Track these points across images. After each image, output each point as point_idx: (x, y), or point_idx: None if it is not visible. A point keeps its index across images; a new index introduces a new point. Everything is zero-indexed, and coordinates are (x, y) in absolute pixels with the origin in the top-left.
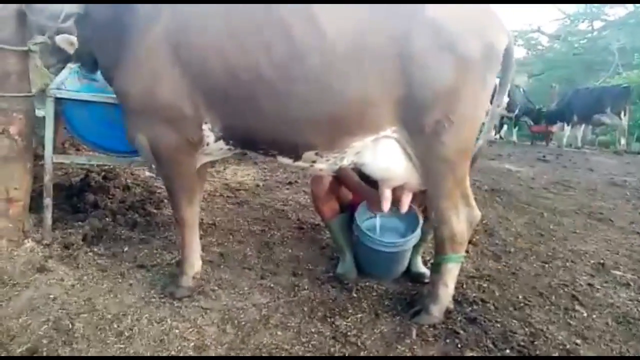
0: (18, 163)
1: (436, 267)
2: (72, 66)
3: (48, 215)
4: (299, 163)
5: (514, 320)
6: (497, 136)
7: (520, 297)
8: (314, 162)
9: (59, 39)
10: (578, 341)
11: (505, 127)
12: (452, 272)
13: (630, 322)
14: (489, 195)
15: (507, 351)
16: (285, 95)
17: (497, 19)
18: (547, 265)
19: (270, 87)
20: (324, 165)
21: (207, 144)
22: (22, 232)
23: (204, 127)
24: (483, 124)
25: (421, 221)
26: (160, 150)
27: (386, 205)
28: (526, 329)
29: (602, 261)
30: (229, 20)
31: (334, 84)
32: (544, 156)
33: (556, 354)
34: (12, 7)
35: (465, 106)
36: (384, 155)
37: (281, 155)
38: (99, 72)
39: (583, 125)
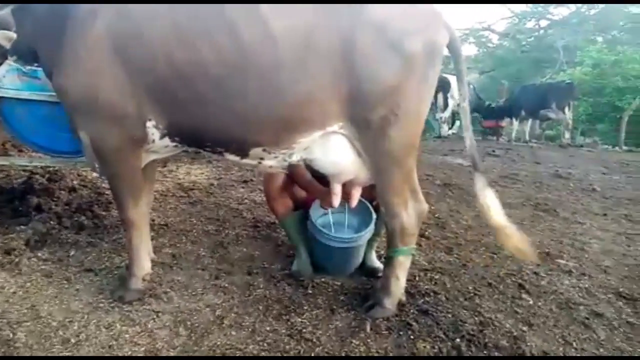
0: None
1: (388, 261)
2: (10, 63)
3: None
4: (247, 160)
5: (464, 310)
6: (451, 132)
7: (470, 287)
8: (261, 158)
9: None
10: (524, 328)
11: (457, 122)
12: (403, 265)
13: (572, 307)
14: (441, 190)
15: (458, 340)
16: (230, 92)
17: (438, 17)
18: (495, 256)
19: (215, 84)
20: (273, 162)
21: (152, 142)
22: None
23: (148, 124)
24: (456, 120)
25: (374, 216)
26: (103, 148)
27: (336, 200)
28: (476, 318)
29: (547, 250)
30: (173, 16)
31: (279, 82)
32: (493, 151)
33: (504, 342)
34: None
35: (409, 101)
36: (333, 151)
37: (228, 152)
38: (41, 70)
39: (530, 120)
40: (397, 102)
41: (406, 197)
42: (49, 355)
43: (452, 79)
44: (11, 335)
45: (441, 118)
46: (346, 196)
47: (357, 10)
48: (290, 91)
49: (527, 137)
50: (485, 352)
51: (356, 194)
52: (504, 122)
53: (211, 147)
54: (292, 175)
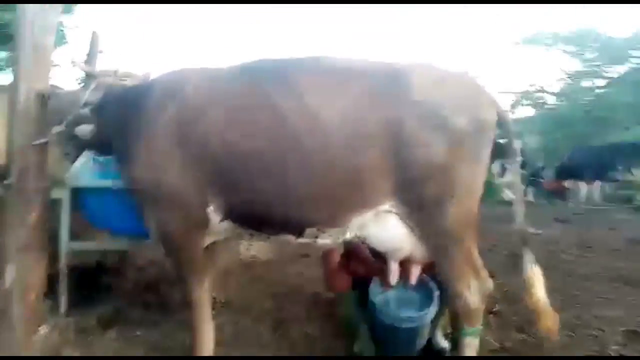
0: (35, 252)
1: (454, 342)
2: (88, 153)
3: (63, 301)
4: (302, 239)
5: None
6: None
7: None
8: (316, 237)
9: (80, 130)
10: None
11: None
12: (470, 347)
13: None
14: (508, 260)
15: None
16: (283, 178)
17: (484, 93)
18: (574, 335)
19: (270, 171)
20: (327, 240)
21: (213, 225)
22: (37, 319)
23: (209, 209)
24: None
25: (436, 293)
26: (167, 232)
27: (393, 278)
28: None
29: (632, 328)
30: (228, 109)
31: (329, 167)
32: (562, 217)
33: None
34: (34, 97)
35: (462, 180)
36: (386, 229)
37: (284, 232)
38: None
39: (597, 182)
40: (448, 181)
41: (468, 276)
42: None
43: None
44: None
45: (501, 183)
46: (405, 274)
47: (403, 92)
48: (340, 174)
49: (598, 200)
50: None
51: (415, 272)
52: (567, 183)
53: (268, 228)
54: (350, 252)
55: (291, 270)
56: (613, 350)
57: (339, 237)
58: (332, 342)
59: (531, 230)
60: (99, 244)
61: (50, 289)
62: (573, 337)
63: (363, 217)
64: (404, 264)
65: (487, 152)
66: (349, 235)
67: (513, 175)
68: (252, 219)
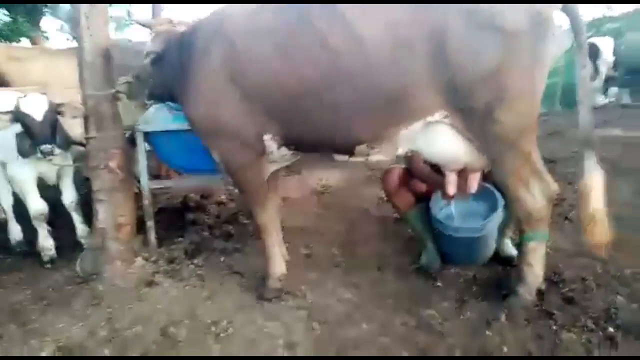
0: (121, 192)
1: (519, 248)
2: (155, 104)
3: (152, 235)
4: (355, 158)
5: (620, 297)
6: (607, 100)
7: (628, 272)
8: (368, 154)
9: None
10: None
11: (614, 88)
12: (536, 252)
13: None
14: None
15: (611, 330)
16: (331, 99)
17: None
18: None
19: (316, 94)
20: (380, 156)
21: (271, 152)
22: (132, 252)
23: (265, 137)
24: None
25: (501, 202)
26: (230, 164)
27: (451, 189)
28: (634, 305)
29: None
30: (274, 39)
31: (373, 82)
32: None
33: None
34: (98, 53)
35: (517, 82)
36: (439, 140)
37: (337, 152)
38: None
39: None
40: (502, 85)
41: (527, 180)
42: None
43: (603, 43)
44: (175, 331)
45: (592, 87)
46: (465, 184)
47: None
48: (382, 88)
49: None
50: None
51: (474, 181)
52: None
53: (321, 149)
54: (409, 168)
55: (360, 195)
56: None
57: (391, 152)
58: (400, 258)
59: (622, 133)
60: (177, 183)
61: (142, 227)
62: None
63: (411, 130)
64: (463, 174)
65: (546, 49)
66: (401, 151)
67: (580, 71)
68: (305, 142)
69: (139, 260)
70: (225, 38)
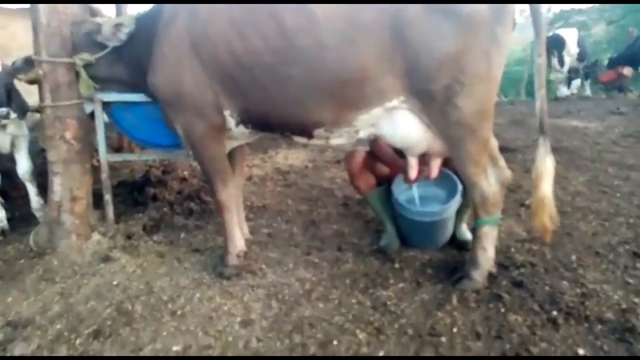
0: (76, 164)
1: (473, 232)
2: None
3: (110, 210)
4: (314, 141)
5: (565, 282)
6: (569, 92)
7: (573, 257)
8: (327, 138)
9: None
10: (636, 300)
11: (577, 80)
12: (489, 236)
13: None
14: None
15: (554, 313)
16: (285, 77)
17: None
18: (607, 223)
19: (270, 71)
20: (340, 140)
21: (230, 129)
22: (88, 227)
23: (225, 113)
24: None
25: (460, 187)
26: (192, 136)
27: (413, 173)
28: (577, 290)
29: None
30: (231, 13)
31: (325, 63)
32: (618, 108)
33: (610, 314)
34: (56, 24)
35: (476, 67)
36: (401, 125)
37: (295, 134)
38: None
39: None
40: (460, 69)
41: (485, 166)
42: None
43: (568, 35)
44: (130, 308)
45: (557, 79)
46: (426, 168)
47: None
48: (337, 71)
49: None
50: (586, 324)
51: (435, 166)
52: (625, 70)
53: (279, 130)
54: (374, 151)
55: (325, 176)
56: None
57: (352, 137)
58: (360, 239)
59: (581, 124)
60: (137, 155)
61: (100, 201)
62: (605, 226)
63: (371, 115)
64: (425, 159)
65: (505, 33)
66: (362, 134)
67: (536, 58)
68: (263, 122)
69: (96, 235)
70: (189, 11)
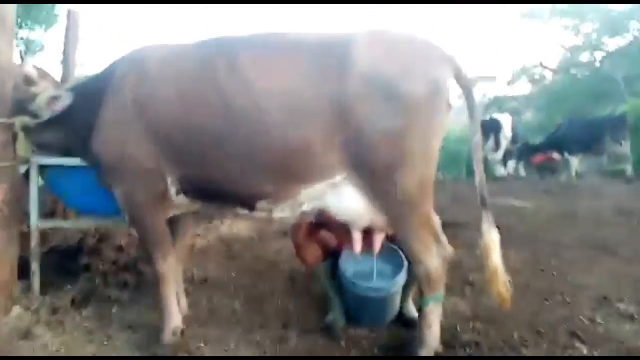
0: (3, 231)
1: (419, 311)
2: None
3: (36, 281)
4: (257, 213)
5: None
6: (506, 173)
7: (516, 336)
8: (270, 210)
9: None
10: None
11: (512, 162)
12: (434, 313)
13: (634, 356)
14: None
15: None
16: (227, 150)
17: (437, 52)
18: (546, 302)
19: (213, 143)
20: (283, 213)
21: (172, 197)
22: (10, 299)
23: (167, 180)
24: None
25: (406, 263)
26: (131, 203)
27: (357, 247)
28: None
29: (604, 294)
30: (178, 83)
31: (270, 139)
32: (550, 189)
33: None
34: None
35: (414, 145)
36: (343, 199)
37: (237, 206)
38: None
39: (582, 155)
40: (400, 147)
41: (428, 243)
42: None
43: (503, 119)
44: None
45: (493, 160)
46: (370, 243)
47: (347, 64)
48: (281, 150)
49: (575, 172)
50: None
51: (379, 240)
52: (555, 155)
53: (221, 202)
54: (322, 222)
55: (271, 247)
56: (584, 315)
57: (295, 210)
58: (306, 315)
59: (517, 203)
60: (72, 223)
61: (25, 270)
62: (544, 305)
63: (314, 189)
64: (369, 234)
65: (442, 114)
66: (306, 208)
67: (472, 137)
68: (204, 192)
69: (17, 309)
70: (137, 77)
